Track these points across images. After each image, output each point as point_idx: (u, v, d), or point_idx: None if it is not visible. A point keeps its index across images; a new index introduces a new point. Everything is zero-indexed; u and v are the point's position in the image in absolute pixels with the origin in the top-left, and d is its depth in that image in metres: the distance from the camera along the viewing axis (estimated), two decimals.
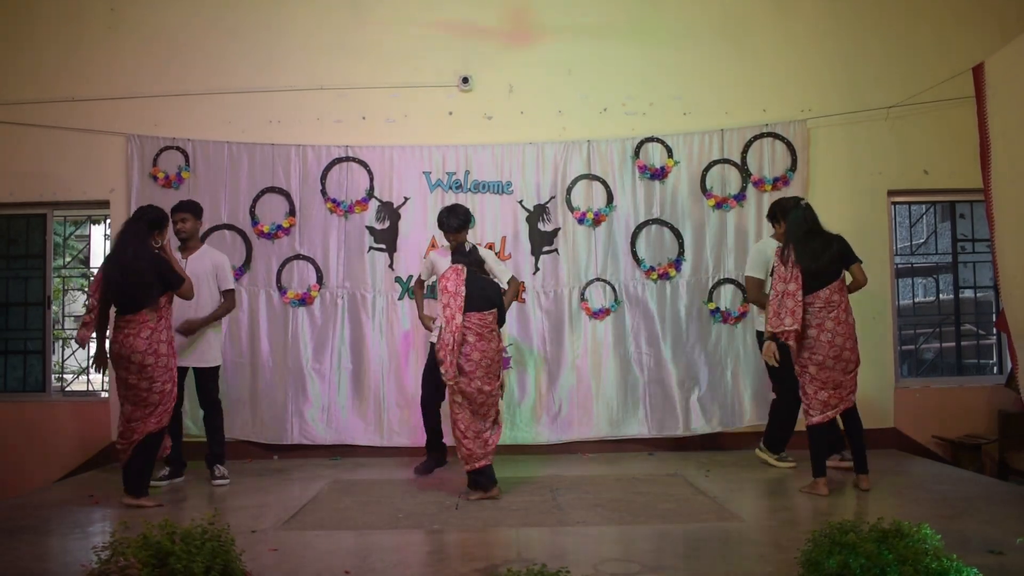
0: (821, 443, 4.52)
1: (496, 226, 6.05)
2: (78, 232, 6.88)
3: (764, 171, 6.07)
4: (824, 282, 4.39)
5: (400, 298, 5.99)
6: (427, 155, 6.07)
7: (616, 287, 6.03)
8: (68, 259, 6.78)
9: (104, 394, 6.24)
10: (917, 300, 6.52)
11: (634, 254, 6.04)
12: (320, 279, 6.01)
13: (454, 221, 5.02)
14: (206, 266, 5.07)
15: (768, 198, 6.02)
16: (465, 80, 6.15)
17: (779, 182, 6.04)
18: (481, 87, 6.18)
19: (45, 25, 6.16)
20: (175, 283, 4.48)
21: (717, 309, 5.98)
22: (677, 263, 6.02)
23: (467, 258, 4.62)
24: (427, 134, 6.11)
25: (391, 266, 5.99)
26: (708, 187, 6.04)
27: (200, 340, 5.05)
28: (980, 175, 4.89)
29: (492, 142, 6.08)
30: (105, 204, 6.12)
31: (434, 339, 4.93)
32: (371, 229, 6.04)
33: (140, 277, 4.33)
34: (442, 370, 4.40)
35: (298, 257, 6.02)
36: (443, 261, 5.06)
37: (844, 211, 5.86)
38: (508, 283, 5.15)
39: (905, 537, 2.60)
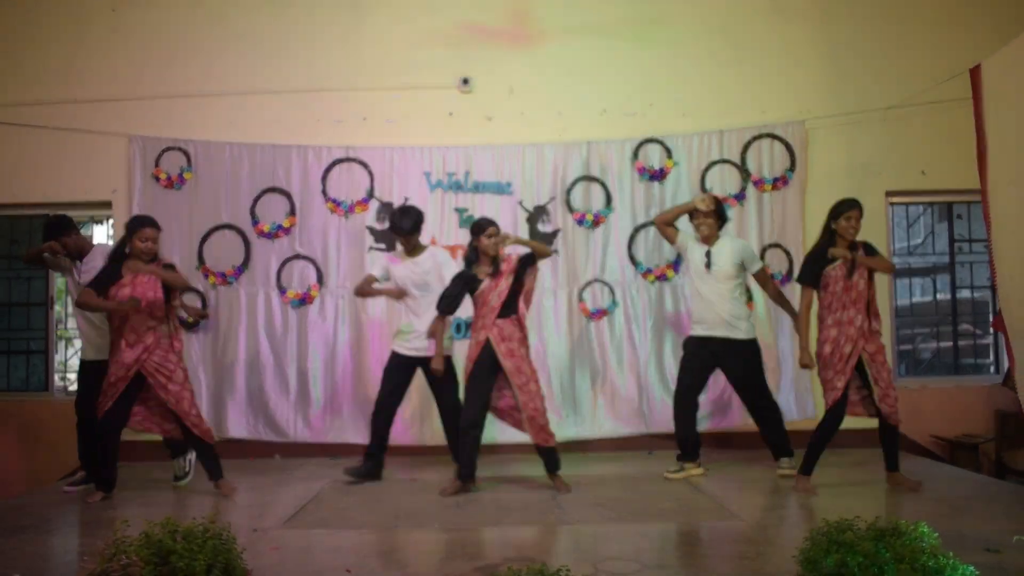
0: None
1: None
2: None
3: (763, 171, 6.09)
4: None
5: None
6: (427, 156, 6.08)
7: (614, 288, 6.05)
8: None
9: None
10: (914, 300, 6.54)
11: (631, 256, 6.06)
12: (320, 279, 6.03)
13: (407, 223, 4.97)
14: None
15: (768, 198, 6.06)
16: (465, 81, 6.17)
17: (778, 182, 6.06)
18: (481, 88, 6.20)
19: (47, 26, 6.17)
20: None
21: None
22: (676, 264, 6.03)
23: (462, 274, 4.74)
24: (427, 135, 6.12)
25: None
26: (708, 187, 6.05)
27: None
28: (977, 176, 4.91)
29: (492, 143, 6.10)
30: (107, 205, 6.13)
31: (417, 346, 4.98)
32: (371, 229, 6.06)
33: None
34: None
35: (298, 257, 6.04)
36: (398, 269, 5.04)
37: None
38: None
39: (902, 535, 2.62)
